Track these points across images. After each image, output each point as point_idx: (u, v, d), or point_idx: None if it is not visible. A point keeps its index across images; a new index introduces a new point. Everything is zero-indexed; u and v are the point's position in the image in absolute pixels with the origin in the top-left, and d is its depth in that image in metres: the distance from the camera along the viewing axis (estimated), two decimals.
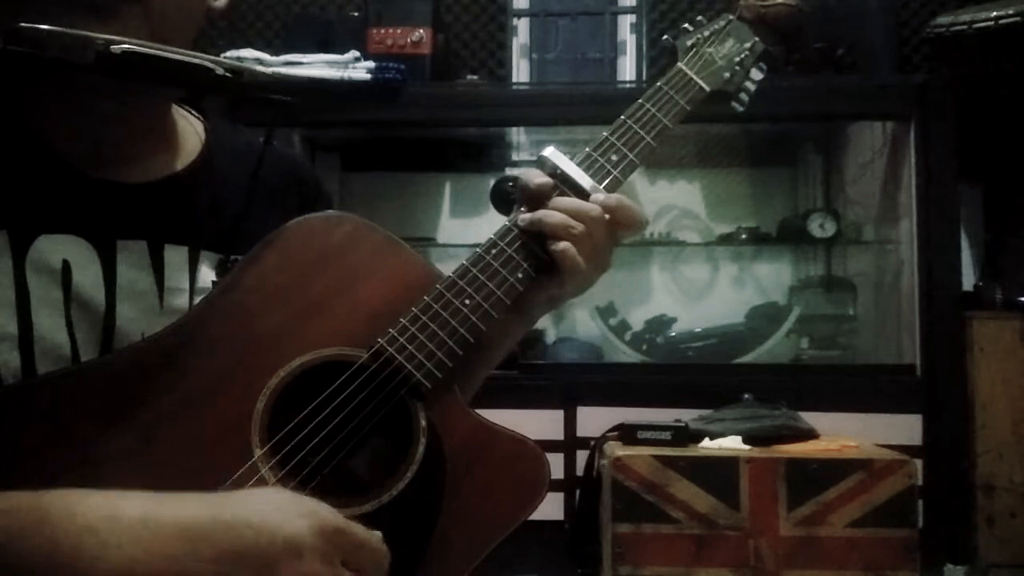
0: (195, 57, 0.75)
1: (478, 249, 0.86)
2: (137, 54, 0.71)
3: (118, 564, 0.62)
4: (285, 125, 0.86)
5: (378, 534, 0.70)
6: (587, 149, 0.91)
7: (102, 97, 0.78)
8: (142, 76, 0.74)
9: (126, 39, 0.71)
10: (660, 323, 3.08)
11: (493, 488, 0.80)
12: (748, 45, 1.03)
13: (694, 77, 0.98)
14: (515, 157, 3.30)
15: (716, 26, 1.03)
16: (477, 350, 0.85)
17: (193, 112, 0.91)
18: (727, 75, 1.01)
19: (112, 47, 0.70)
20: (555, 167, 0.89)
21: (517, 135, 3.21)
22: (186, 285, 0.82)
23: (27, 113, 0.78)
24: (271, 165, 0.91)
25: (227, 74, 0.76)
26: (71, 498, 0.64)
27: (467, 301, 0.82)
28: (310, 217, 0.84)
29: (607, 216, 0.86)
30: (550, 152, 0.90)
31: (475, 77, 3.03)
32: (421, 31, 2.83)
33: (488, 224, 2.99)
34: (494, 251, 0.86)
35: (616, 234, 0.88)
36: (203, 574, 0.63)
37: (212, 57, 0.76)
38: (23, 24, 0.69)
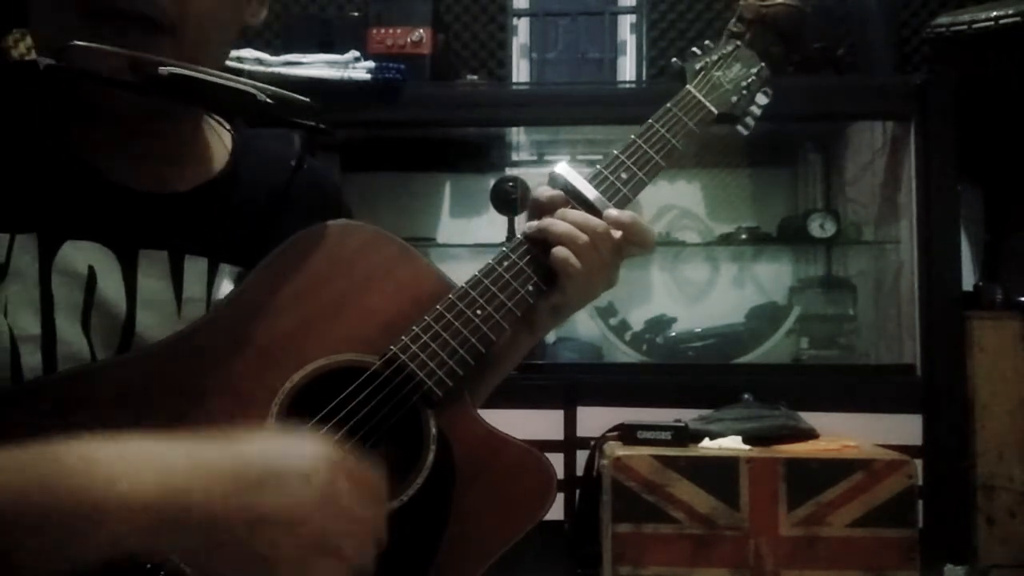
0: (238, 83, 0.76)
1: (490, 260, 0.88)
2: (182, 77, 0.73)
3: (128, 505, 0.61)
4: (294, 127, 0.87)
5: (378, 474, 0.70)
6: (598, 166, 0.94)
7: (137, 111, 0.79)
8: (185, 98, 0.77)
9: (172, 61, 0.73)
10: (660, 323, 3.08)
11: (501, 497, 0.81)
12: (755, 71, 1.06)
13: (703, 99, 1.00)
14: (515, 157, 3.29)
15: (724, 51, 1.06)
16: (486, 361, 0.86)
17: (220, 121, 0.92)
18: (734, 99, 1.04)
19: (160, 69, 0.72)
20: (567, 183, 0.91)
21: (517, 135, 3.21)
22: (204, 296, 0.82)
23: (61, 122, 0.80)
24: (297, 178, 0.92)
25: (268, 100, 0.78)
26: (82, 444, 0.63)
27: (479, 311, 0.84)
28: (325, 224, 0.85)
29: (619, 233, 0.88)
30: (562, 168, 0.92)
31: (475, 77, 3.02)
32: (421, 31, 2.82)
33: (488, 224, 3.00)
34: (506, 263, 0.87)
35: (625, 250, 0.90)
36: (217, 502, 0.63)
37: (255, 83, 0.77)
38: (75, 42, 0.70)
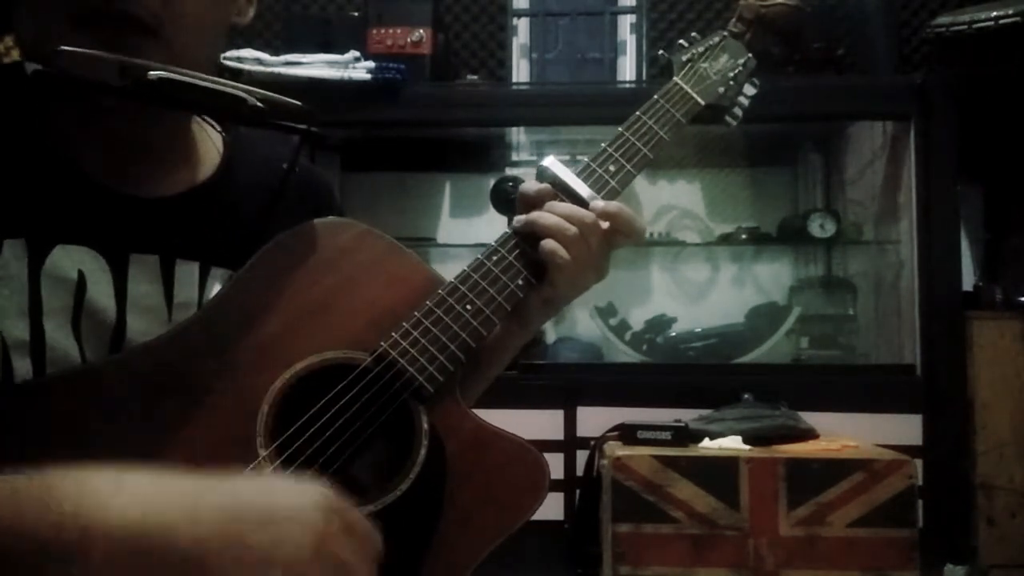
0: (227, 86, 0.76)
1: (479, 255, 0.87)
2: (171, 81, 0.73)
3: (125, 518, 0.60)
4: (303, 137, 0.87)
5: (374, 530, 0.68)
6: (586, 160, 0.94)
7: (126, 114, 0.79)
8: (174, 102, 0.76)
9: (161, 65, 0.73)
10: (660, 323, 3.08)
11: (493, 491, 0.81)
12: (742, 61, 1.06)
13: (689, 91, 1.01)
14: (515, 157, 3.30)
15: (710, 42, 1.07)
16: (477, 357, 0.86)
17: (212, 123, 0.91)
18: (721, 90, 1.04)
19: (150, 73, 0.72)
20: (554, 177, 0.91)
21: (517, 135, 3.21)
22: (195, 300, 0.82)
23: (50, 126, 0.79)
24: (289, 181, 0.91)
25: (258, 104, 0.78)
26: (75, 474, 0.62)
27: (469, 306, 0.84)
28: (312, 223, 0.85)
29: (605, 223, 0.88)
30: (549, 162, 0.92)
31: (475, 77, 3.02)
32: (421, 31, 2.82)
33: (488, 224, 3.00)
34: (495, 257, 0.87)
35: (614, 241, 0.90)
36: (209, 522, 0.61)
37: (243, 86, 0.77)
38: (63, 47, 0.70)
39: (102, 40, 0.73)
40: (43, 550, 0.59)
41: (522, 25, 3.13)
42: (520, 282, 0.87)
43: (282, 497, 0.64)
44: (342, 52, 2.69)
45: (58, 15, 0.73)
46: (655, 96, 0.99)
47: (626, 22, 3.11)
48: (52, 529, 0.59)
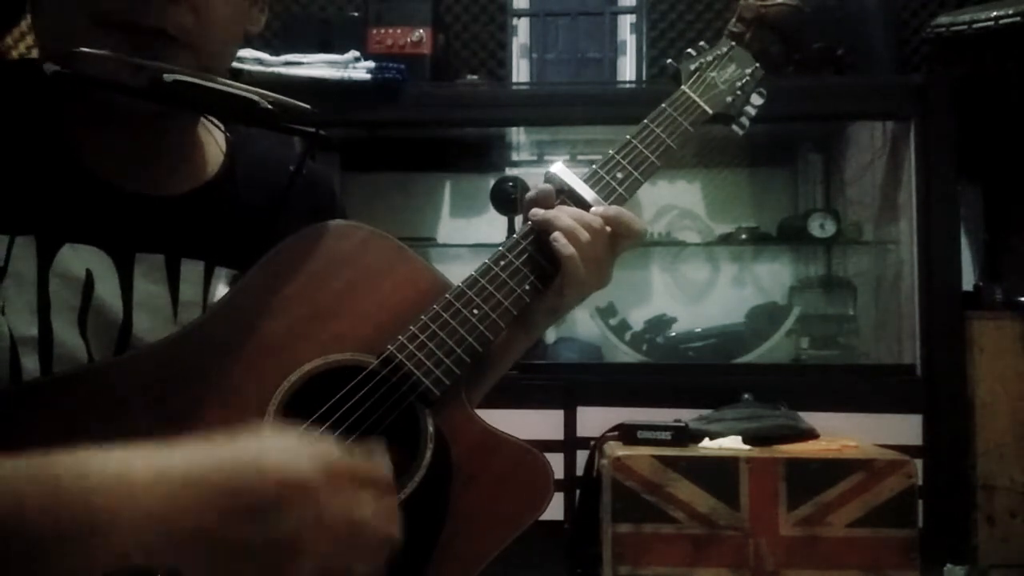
0: (241, 90, 0.77)
1: (487, 260, 0.88)
2: (187, 84, 0.74)
3: (131, 521, 0.60)
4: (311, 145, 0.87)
5: (385, 467, 0.69)
6: (594, 166, 0.95)
7: (140, 115, 0.80)
8: (188, 104, 0.78)
9: (176, 68, 0.74)
10: (660, 323, 3.08)
11: (498, 495, 0.81)
12: (749, 71, 1.07)
13: (697, 100, 1.02)
14: (515, 157, 3.30)
15: (718, 51, 1.07)
16: (483, 362, 0.87)
17: (215, 123, 0.92)
18: (729, 99, 1.05)
19: (164, 76, 0.73)
20: (563, 183, 0.93)
21: (517, 135, 3.21)
22: (200, 299, 0.83)
23: (61, 124, 0.80)
24: (295, 182, 0.92)
25: (270, 107, 0.78)
26: (80, 458, 0.62)
27: (475, 311, 0.84)
28: (321, 225, 0.85)
29: (607, 228, 0.90)
30: (558, 168, 0.94)
31: (475, 77, 3.02)
32: (421, 31, 2.82)
33: (488, 224, 3.00)
34: (502, 263, 0.88)
35: (617, 246, 0.91)
36: (216, 522, 0.61)
37: (257, 90, 0.78)
38: (79, 49, 0.71)
39: (132, 45, 0.74)
40: (45, 541, 0.59)
41: (522, 25, 3.13)
42: (527, 287, 0.88)
43: (284, 466, 0.63)
44: (342, 52, 2.69)
45: (89, 23, 0.74)
46: (663, 104, 1.00)
47: (626, 22, 3.11)
48: (54, 522, 0.59)
